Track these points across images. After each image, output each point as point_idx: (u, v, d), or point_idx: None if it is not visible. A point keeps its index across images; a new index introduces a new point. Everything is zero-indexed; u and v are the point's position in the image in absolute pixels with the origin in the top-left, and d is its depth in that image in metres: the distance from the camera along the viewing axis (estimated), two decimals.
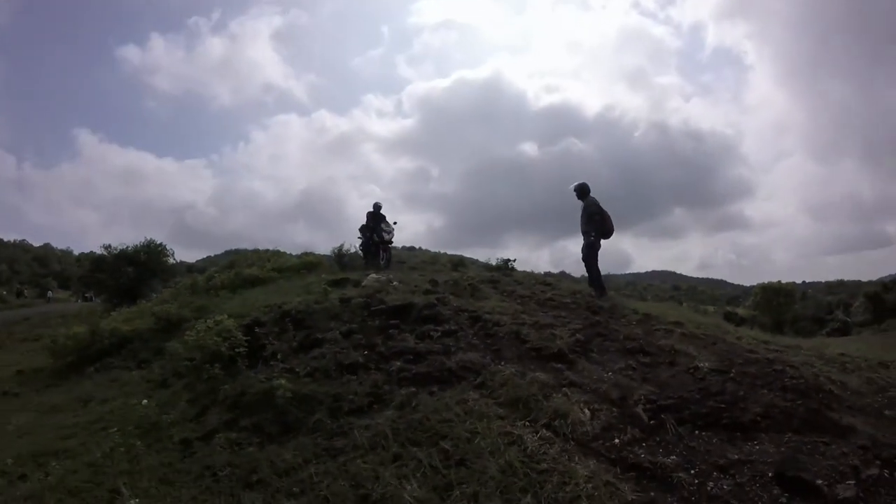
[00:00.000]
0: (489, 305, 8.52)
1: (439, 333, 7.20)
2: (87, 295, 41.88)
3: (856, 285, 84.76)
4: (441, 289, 9.63)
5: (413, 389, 5.90)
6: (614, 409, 5.55)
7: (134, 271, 23.83)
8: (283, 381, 6.07)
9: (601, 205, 10.97)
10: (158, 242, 25.38)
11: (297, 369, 6.83)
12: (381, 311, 8.09)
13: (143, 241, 24.97)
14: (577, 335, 7.41)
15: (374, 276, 10.57)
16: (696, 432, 5.26)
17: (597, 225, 10.79)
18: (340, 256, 18.11)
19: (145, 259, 24.38)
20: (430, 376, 6.15)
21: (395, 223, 16.68)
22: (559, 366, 6.41)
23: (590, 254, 10.94)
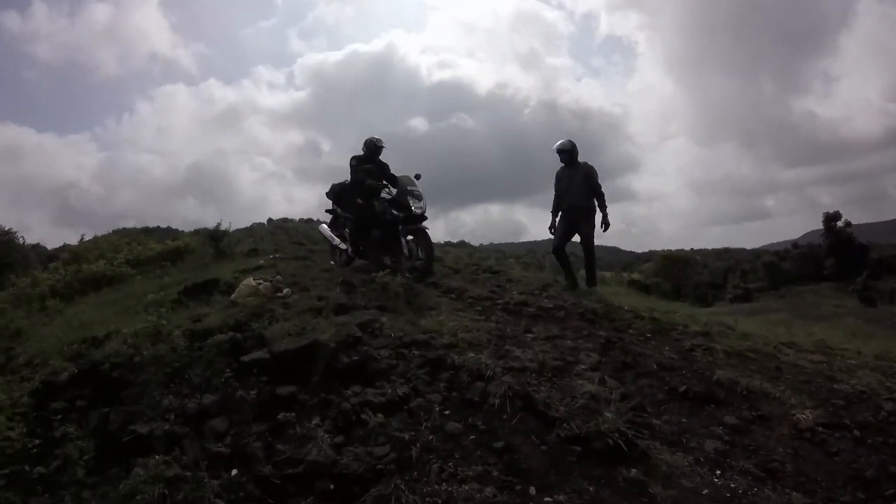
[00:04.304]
0: (446, 328, 5.18)
1: (379, 413, 3.73)
2: None
3: (740, 252, 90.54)
4: (360, 298, 6.08)
5: None
6: None
7: None
8: None
9: None
10: (6, 228, 19.91)
11: None
12: (261, 363, 4.39)
13: None
14: (605, 375, 4.52)
15: (250, 282, 6.43)
16: None
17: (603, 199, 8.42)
18: (216, 239, 13.31)
19: None
20: None
21: (417, 177, 8.48)
22: (632, 472, 3.37)
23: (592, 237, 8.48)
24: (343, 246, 8.96)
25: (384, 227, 8.16)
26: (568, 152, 8.46)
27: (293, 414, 3.85)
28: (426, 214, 8.20)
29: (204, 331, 5.06)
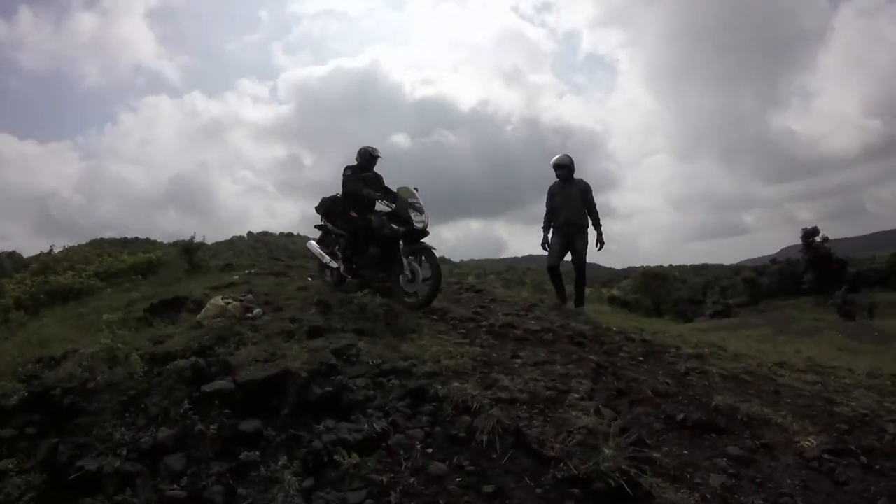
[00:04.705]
0: (427, 354, 4.85)
1: (353, 453, 3.37)
2: None
3: (719, 268, 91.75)
4: (337, 320, 5.72)
5: None
6: None
7: None
8: None
9: None
10: None
11: None
12: (224, 394, 3.99)
13: None
14: (600, 404, 4.25)
15: (218, 301, 6.02)
16: None
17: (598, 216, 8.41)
18: (190, 252, 12.85)
19: None
20: None
21: (416, 189, 7.52)
22: None
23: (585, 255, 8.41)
24: (334, 264, 8.08)
25: (382, 243, 7.35)
26: (566, 167, 8.28)
27: (257, 453, 3.49)
28: (428, 230, 7.37)
29: (165, 355, 4.64)
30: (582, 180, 8.33)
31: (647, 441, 3.86)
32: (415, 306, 6.72)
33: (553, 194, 8.32)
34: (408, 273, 7.03)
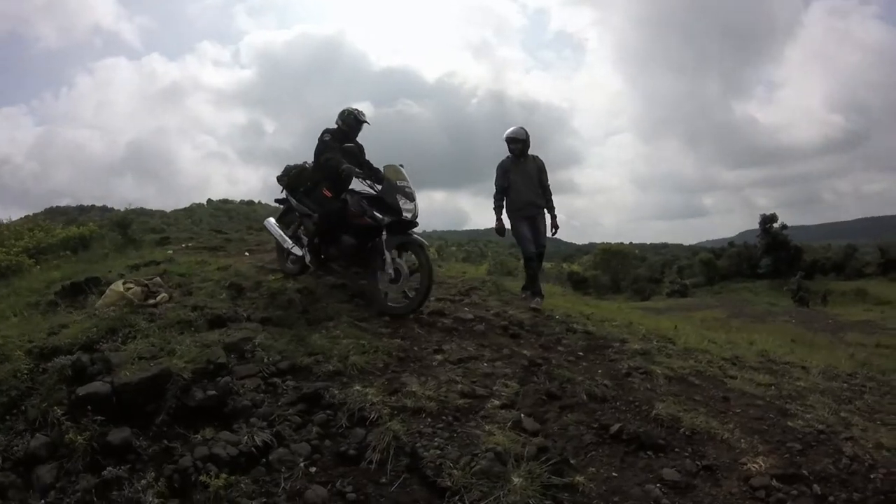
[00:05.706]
0: (337, 348, 4.38)
1: (224, 472, 2.93)
2: None
3: (678, 248, 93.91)
4: (247, 307, 5.21)
5: None
6: None
7: None
8: None
9: None
10: None
11: None
12: (98, 398, 3.48)
13: None
14: (522, 413, 3.81)
15: (118, 286, 5.29)
16: None
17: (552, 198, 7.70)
18: (124, 226, 12.37)
19: None
20: None
21: (402, 166, 6.16)
22: None
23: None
24: (298, 251, 6.66)
25: (361, 232, 6.04)
26: (522, 142, 7.42)
27: (125, 468, 3.07)
28: (418, 220, 6.09)
29: (53, 349, 4.16)
30: (537, 157, 7.57)
31: (572, 460, 3.42)
32: (397, 312, 5.72)
33: (506, 171, 7.42)
34: (390, 271, 5.81)
